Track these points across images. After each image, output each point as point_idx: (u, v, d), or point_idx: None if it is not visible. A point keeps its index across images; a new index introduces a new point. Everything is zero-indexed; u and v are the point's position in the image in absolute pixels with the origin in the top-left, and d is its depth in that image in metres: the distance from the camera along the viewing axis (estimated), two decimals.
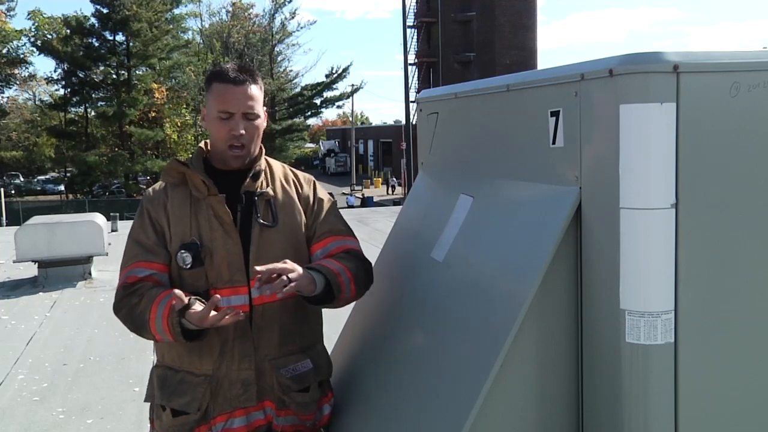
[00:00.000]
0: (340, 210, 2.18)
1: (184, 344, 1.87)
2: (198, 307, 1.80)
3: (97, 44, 37.37)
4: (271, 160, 2.11)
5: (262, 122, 2.02)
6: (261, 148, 2.05)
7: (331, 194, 2.23)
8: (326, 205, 2.11)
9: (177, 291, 1.77)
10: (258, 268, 1.76)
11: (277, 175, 2.07)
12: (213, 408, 1.92)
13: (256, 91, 1.99)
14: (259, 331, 1.93)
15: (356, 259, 2.04)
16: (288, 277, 1.77)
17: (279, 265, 1.79)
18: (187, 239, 1.91)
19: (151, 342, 1.99)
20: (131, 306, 1.89)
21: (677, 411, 1.48)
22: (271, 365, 1.95)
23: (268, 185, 2.02)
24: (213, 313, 1.74)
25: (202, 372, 1.93)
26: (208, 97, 2.00)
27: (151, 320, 1.84)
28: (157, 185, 2.06)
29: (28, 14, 37.27)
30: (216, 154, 2.02)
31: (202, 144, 2.09)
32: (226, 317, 1.74)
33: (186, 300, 1.77)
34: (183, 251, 1.89)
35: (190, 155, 2.08)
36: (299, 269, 1.82)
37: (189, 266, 1.89)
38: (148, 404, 2.06)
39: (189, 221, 1.93)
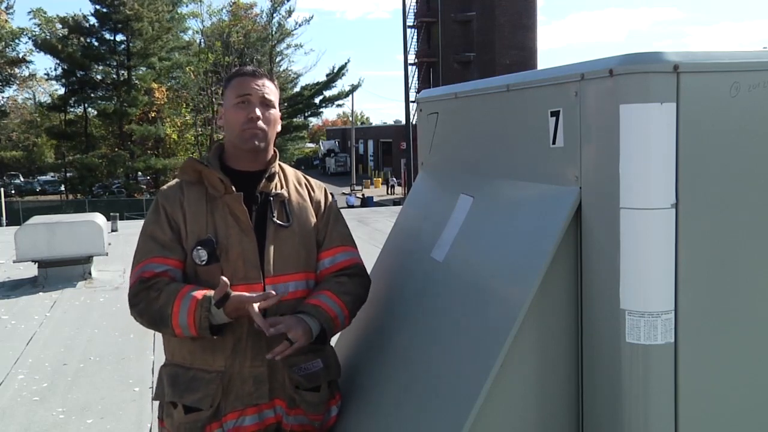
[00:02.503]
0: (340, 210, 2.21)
1: (201, 340, 1.91)
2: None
3: (96, 44, 37.38)
4: (285, 165, 2.15)
5: (277, 116, 2.07)
6: (275, 152, 2.09)
7: (331, 194, 2.24)
8: (335, 213, 2.16)
9: (224, 278, 1.82)
10: (267, 331, 1.84)
11: (291, 178, 2.12)
12: (225, 405, 1.94)
13: (273, 86, 2.07)
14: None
15: (357, 279, 2.10)
16: (288, 339, 1.87)
17: (282, 328, 1.87)
18: (203, 236, 1.94)
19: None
20: (149, 300, 1.90)
21: (677, 411, 1.48)
22: (283, 363, 1.96)
23: (282, 187, 2.07)
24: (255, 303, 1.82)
25: (214, 368, 1.94)
26: (226, 95, 2.05)
27: (173, 314, 1.86)
28: (173, 183, 2.08)
29: (30, 12, 37.28)
30: (232, 150, 2.05)
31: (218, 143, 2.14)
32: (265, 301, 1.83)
33: (227, 289, 1.82)
34: (199, 248, 1.92)
35: (191, 155, 2.10)
36: (297, 327, 1.88)
37: (204, 263, 1.91)
38: (149, 404, 2.07)
39: (205, 219, 1.96)
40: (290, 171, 2.16)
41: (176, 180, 2.07)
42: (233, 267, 1.93)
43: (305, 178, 2.19)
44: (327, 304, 1.98)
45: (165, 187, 2.09)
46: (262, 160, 2.05)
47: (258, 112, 1.98)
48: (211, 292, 1.85)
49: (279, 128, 2.09)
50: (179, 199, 1.99)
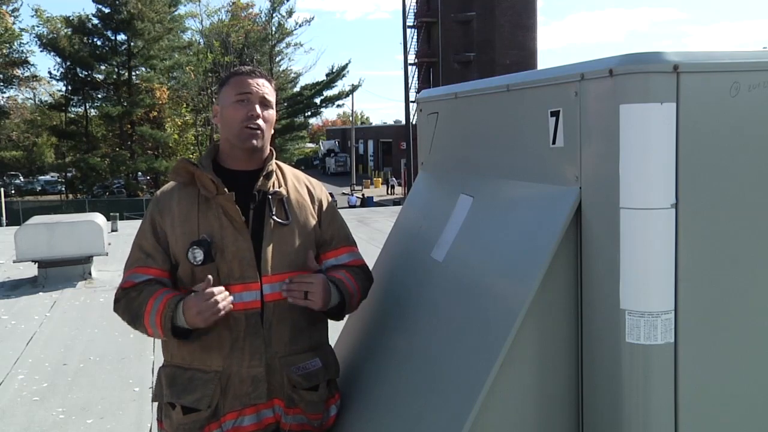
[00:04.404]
0: (340, 210, 2.22)
1: (200, 340, 1.92)
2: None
3: (99, 44, 37.39)
4: (282, 164, 2.15)
5: (274, 116, 2.08)
6: (272, 150, 2.09)
7: (330, 194, 2.25)
8: (336, 213, 2.17)
9: (209, 276, 1.87)
10: (292, 280, 1.92)
11: (289, 177, 2.12)
12: (223, 405, 1.94)
13: (271, 87, 2.08)
14: (270, 327, 1.95)
15: (365, 275, 2.15)
16: (306, 292, 1.92)
17: (307, 280, 1.93)
18: (195, 237, 1.93)
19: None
20: (129, 299, 1.96)
21: (677, 411, 1.48)
22: (281, 363, 1.96)
23: (280, 185, 2.06)
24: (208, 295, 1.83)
25: (212, 369, 1.95)
26: (223, 93, 2.04)
27: (146, 312, 1.91)
28: (167, 186, 2.09)
29: (34, 12, 37.21)
30: (229, 149, 2.04)
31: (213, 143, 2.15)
32: (220, 305, 1.84)
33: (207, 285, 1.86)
34: (195, 247, 1.91)
35: (191, 155, 2.11)
36: (319, 290, 1.92)
37: (200, 262, 1.91)
38: (149, 404, 2.08)
39: (196, 220, 1.96)
40: (288, 169, 2.15)
41: (171, 183, 2.07)
42: (229, 266, 1.93)
43: (304, 175, 2.18)
44: (348, 282, 2.04)
45: (159, 191, 2.10)
46: (258, 159, 2.04)
47: (258, 109, 1.98)
48: (183, 295, 1.89)
49: (272, 130, 2.09)
50: (169, 203, 2.01)
